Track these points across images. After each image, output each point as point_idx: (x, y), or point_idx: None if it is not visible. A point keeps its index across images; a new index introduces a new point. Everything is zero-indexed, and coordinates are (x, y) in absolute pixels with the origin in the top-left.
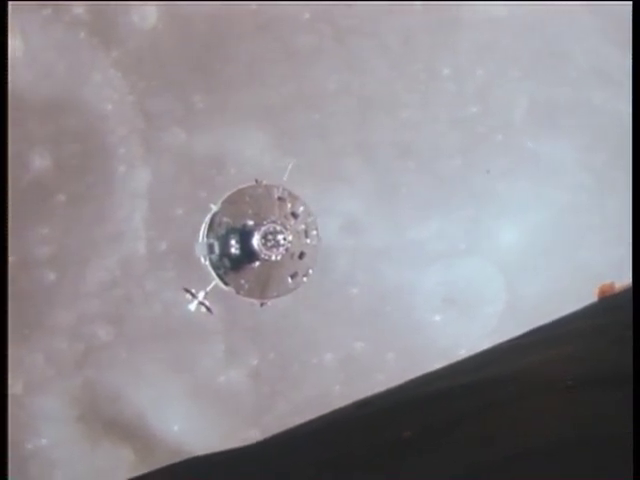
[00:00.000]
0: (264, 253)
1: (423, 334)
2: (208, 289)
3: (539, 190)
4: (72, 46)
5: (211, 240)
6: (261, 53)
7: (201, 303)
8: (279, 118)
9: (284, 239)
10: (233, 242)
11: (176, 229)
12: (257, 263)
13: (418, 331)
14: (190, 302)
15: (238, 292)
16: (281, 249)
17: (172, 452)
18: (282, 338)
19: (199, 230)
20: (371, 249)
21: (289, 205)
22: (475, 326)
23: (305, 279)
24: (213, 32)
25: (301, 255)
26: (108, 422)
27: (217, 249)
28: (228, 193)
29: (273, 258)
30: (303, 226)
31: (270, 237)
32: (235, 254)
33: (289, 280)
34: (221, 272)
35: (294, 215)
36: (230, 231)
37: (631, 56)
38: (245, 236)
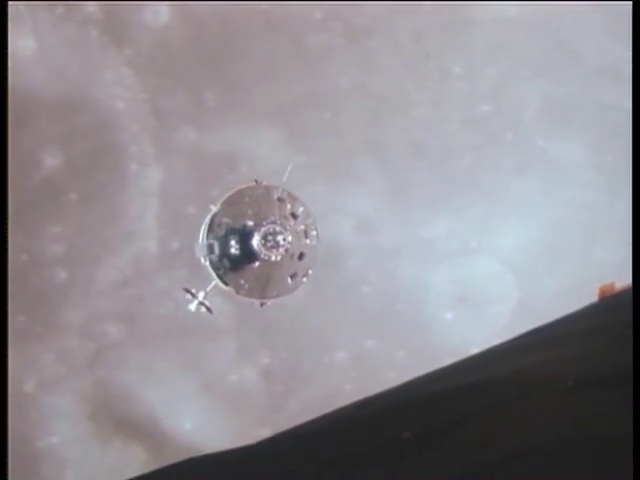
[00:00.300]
0: (264, 253)
1: (434, 332)
2: (208, 289)
3: (550, 189)
4: (84, 44)
5: (211, 241)
6: (273, 52)
7: (201, 303)
8: (290, 117)
9: (284, 240)
10: (233, 243)
11: (188, 228)
12: (257, 263)
13: (429, 329)
14: (190, 302)
15: (238, 292)
16: (281, 249)
17: (183, 450)
18: (293, 337)
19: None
20: (382, 248)
21: (289, 206)
22: (486, 324)
23: (305, 279)
24: (225, 31)
25: (301, 256)
26: (119, 420)
27: (217, 250)
28: (228, 194)
29: (273, 258)
30: (303, 227)
31: (270, 238)
32: (235, 254)
33: (289, 280)
34: (221, 272)
35: (294, 216)
36: (230, 232)
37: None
38: (245, 237)
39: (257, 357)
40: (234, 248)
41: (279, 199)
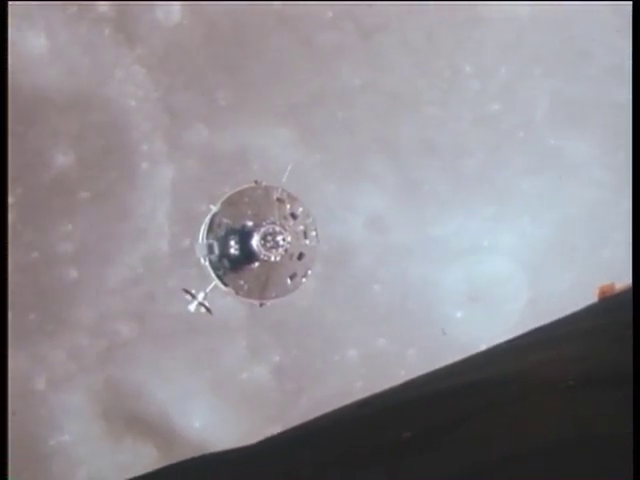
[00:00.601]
0: (263, 254)
1: (445, 330)
2: (208, 290)
3: (561, 187)
4: (96, 43)
5: (211, 241)
6: (285, 50)
7: (201, 304)
8: (302, 115)
9: (283, 240)
10: (232, 243)
11: (199, 226)
12: (256, 264)
13: (440, 327)
14: (190, 303)
15: (237, 293)
16: (280, 250)
17: (194, 448)
18: (304, 335)
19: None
20: (394, 246)
21: (288, 206)
22: (497, 323)
23: (304, 280)
24: (237, 29)
25: (300, 256)
26: (130, 418)
27: (216, 250)
28: (228, 194)
29: (272, 259)
30: (302, 227)
31: (269, 238)
32: (234, 255)
33: (288, 281)
34: (220, 273)
35: (293, 216)
36: (229, 232)
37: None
38: (244, 237)
39: (268, 355)
40: (234, 248)
41: (278, 200)
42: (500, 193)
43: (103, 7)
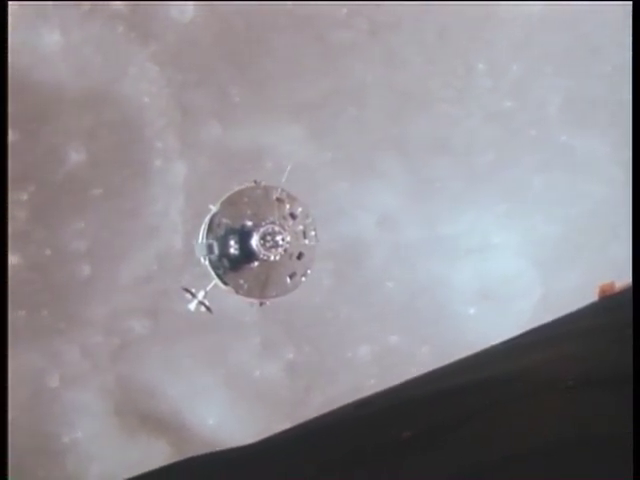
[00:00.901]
0: (263, 253)
1: (457, 327)
2: (208, 289)
3: (572, 185)
4: (110, 40)
5: (210, 240)
6: (298, 48)
7: (201, 302)
8: (315, 112)
9: (282, 240)
10: (232, 243)
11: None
12: (256, 263)
13: (452, 324)
14: (190, 302)
15: (237, 292)
16: (279, 249)
17: (207, 445)
18: (317, 332)
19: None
20: (406, 243)
21: (287, 206)
22: (509, 319)
23: (303, 279)
24: (250, 26)
25: (299, 256)
26: (143, 416)
27: (216, 249)
28: (228, 194)
29: (272, 258)
30: (301, 227)
31: (269, 238)
32: (234, 254)
33: (288, 280)
34: (220, 272)
35: (292, 216)
36: (229, 232)
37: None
38: (244, 237)
39: (281, 352)
40: (233, 248)
41: (278, 199)
42: (511, 190)
43: (117, 5)
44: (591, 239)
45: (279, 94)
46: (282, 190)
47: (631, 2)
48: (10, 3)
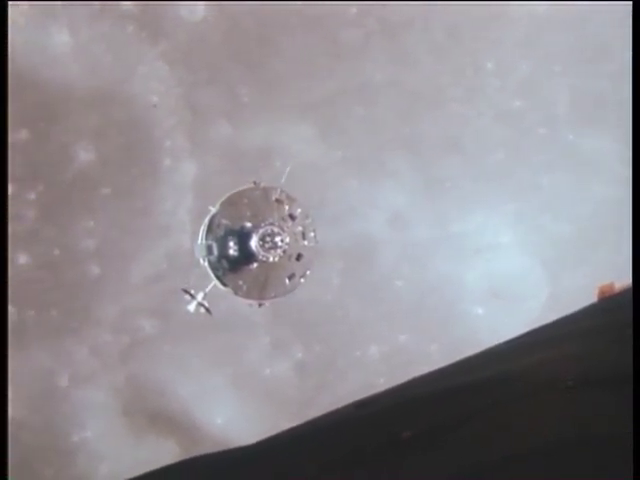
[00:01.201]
0: (262, 255)
1: (466, 326)
2: (207, 290)
3: (582, 183)
4: (119, 40)
5: (210, 241)
6: (308, 47)
7: (200, 304)
8: (325, 111)
9: (282, 241)
10: (231, 244)
11: None
12: (255, 264)
13: (462, 323)
14: (189, 303)
15: (236, 293)
16: (279, 251)
17: (216, 445)
18: (327, 331)
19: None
20: (416, 242)
21: (287, 207)
22: (518, 319)
23: (302, 280)
24: (260, 25)
25: (298, 257)
26: (153, 415)
27: (215, 250)
28: (227, 194)
29: (271, 260)
30: (300, 228)
31: (268, 239)
32: (233, 255)
33: (287, 281)
34: (219, 273)
35: (292, 217)
36: (228, 233)
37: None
38: (243, 238)
39: (291, 351)
40: (232, 249)
41: (277, 200)
42: (521, 190)
43: (127, 4)
44: (600, 238)
45: (289, 93)
46: (281, 191)
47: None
48: (19, 3)
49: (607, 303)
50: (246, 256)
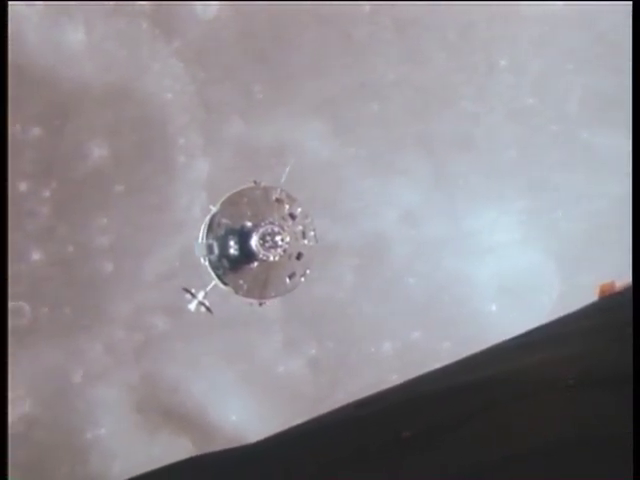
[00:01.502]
0: (262, 254)
1: (479, 323)
2: (208, 289)
3: (593, 181)
4: (134, 37)
5: (210, 241)
6: (321, 44)
7: (201, 303)
8: (338, 109)
9: (282, 240)
10: (232, 243)
11: None
12: (255, 264)
13: (474, 320)
14: (190, 302)
15: (237, 292)
16: (279, 250)
17: (230, 441)
18: (340, 328)
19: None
20: (429, 240)
21: (287, 207)
22: (530, 315)
23: (303, 279)
24: (274, 23)
25: (298, 256)
26: (166, 412)
27: (216, 250)
28: (228, 194)
29: (271, 259)
30: (300, 227)
31: (268, 238)
32: (234, 255)
33: (287, 280)
34: (220, 272)
35: (292, 216)
36: (229, 232)
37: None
38: (244, 237)
39: (304, 348)
40: (233, 248)
41: (277, 200)
42: (533, 187)
43: (141, 3)
44: (611, 236)
45: (302, 91)
46: (281, 190)
47: None
48: (35, 2)
49: (607, 302)
50: (246, 255)
